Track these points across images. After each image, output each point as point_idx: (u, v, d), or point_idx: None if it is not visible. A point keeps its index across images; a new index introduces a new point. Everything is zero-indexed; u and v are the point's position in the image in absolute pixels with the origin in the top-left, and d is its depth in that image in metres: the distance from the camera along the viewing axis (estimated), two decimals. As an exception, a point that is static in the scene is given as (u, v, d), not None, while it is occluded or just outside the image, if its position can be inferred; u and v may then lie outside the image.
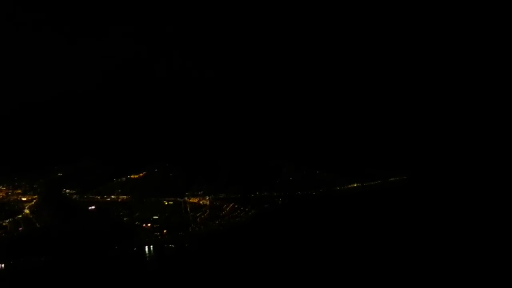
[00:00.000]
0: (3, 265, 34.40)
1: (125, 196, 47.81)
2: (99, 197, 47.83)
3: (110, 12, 52.46)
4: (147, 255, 37.93)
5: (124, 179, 51.25)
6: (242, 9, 51.64)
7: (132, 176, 51.75)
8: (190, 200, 47.06)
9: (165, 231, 40.48)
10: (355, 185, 51.08)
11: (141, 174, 52.09)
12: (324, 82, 54.43)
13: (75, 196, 48.01)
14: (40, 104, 54.17)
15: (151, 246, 38.56)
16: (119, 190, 48.87)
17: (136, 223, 42.07)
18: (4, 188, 48.56)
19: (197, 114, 56.19)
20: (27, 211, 43.85)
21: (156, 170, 52.70)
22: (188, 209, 45.23)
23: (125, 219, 43.09)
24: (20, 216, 42.61)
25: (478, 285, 31.38)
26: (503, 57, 49.61)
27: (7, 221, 41.19)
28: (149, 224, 41.71)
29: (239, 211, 45.09)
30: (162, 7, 52.42)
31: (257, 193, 48.89)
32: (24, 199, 46.85)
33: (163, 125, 56.11)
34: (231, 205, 45.96)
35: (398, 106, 52.79)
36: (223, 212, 44.88)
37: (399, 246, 37.36)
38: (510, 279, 31.22)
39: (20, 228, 40.58)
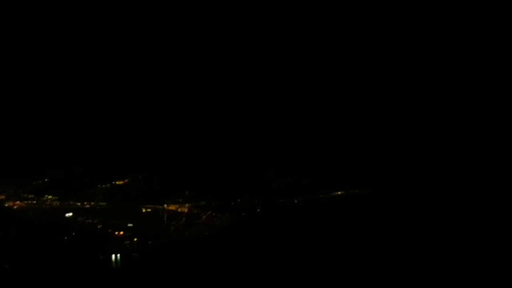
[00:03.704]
0: None
1: (104, 203, 47.65)
2: (79, 204, 47.82)
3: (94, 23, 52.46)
4: (113, 263, 37.83)
5: (108, 185, 51.07)
6: (222, 8, 50.90)
7: (117, 183, 51.57)
8: (169, 208, 46.59)
9: (135, 239, 40.27)
10: (339, 192, 49.87)
11: (126, 181, 51.89)
12: (310, 88, 53.36)
13: (55, 202, 48.17)
14: (31, 110, 54.46)
15: (118, 255, 38.44)
16: (100, 197, 48.73)
17: (109, 230, 41.98)
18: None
19: (186, 119, 55.67)
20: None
21: (140, 176, 52.40)
22: (165, 217, 44.86)
23: (99, 226, 43.02)
24: None
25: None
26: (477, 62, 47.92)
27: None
28: (121, 232, 41.55)
29: (215, 219, 44.56)
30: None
31: (238, 200, 48.11)
32: (6, 205, 47.18)
33: (152, 130, 55.76)
34: (208, 213, 45.42)
35: (386, 113, 51.40)
36: (199, 220, 44.42)
37: (382, 255, 36.66)
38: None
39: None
